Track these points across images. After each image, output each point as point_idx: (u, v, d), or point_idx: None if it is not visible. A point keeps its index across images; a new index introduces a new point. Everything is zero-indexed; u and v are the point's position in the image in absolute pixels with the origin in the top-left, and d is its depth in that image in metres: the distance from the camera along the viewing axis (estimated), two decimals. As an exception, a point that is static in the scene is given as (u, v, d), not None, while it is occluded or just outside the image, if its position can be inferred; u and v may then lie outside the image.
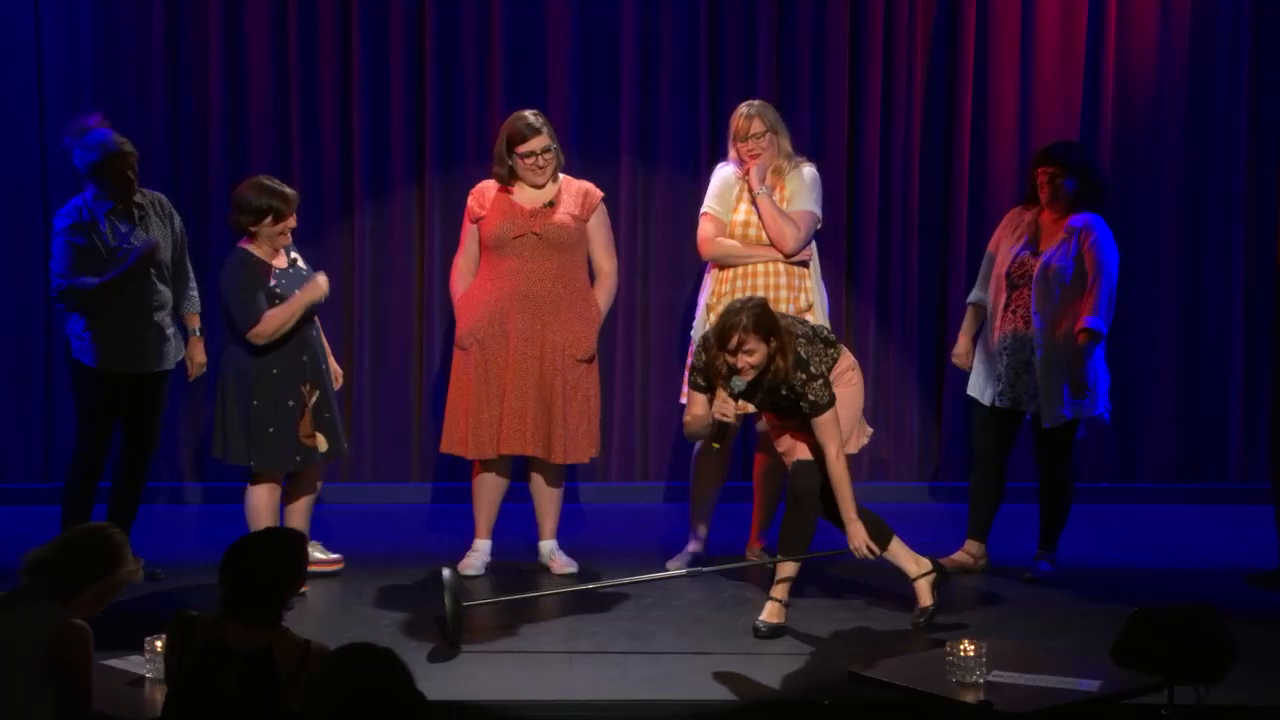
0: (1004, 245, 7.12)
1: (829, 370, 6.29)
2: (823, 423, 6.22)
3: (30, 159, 8.23)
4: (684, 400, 7.29)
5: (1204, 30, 8.49)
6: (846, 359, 6.45)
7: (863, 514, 6.33)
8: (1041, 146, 7.40)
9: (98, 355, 6.75)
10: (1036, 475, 7.21)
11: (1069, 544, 7.31)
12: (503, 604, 6.65)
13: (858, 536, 6.26)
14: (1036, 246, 7.02)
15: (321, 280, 6.80)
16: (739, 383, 6.13)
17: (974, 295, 7.28)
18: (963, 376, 7.33)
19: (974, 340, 7.26)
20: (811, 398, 6.20)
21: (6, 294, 8.21)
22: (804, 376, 6.19)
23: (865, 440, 6.58)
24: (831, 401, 6.22)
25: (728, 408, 6.18)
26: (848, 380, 6.42)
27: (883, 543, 6.38)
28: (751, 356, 6.09)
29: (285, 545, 4.50)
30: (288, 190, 6.77)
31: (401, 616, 6.58)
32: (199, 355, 7.09)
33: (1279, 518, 7.17)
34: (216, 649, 4.31)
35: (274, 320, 6.67)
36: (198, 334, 7.08)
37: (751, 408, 6.40)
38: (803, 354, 6.19)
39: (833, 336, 6.46)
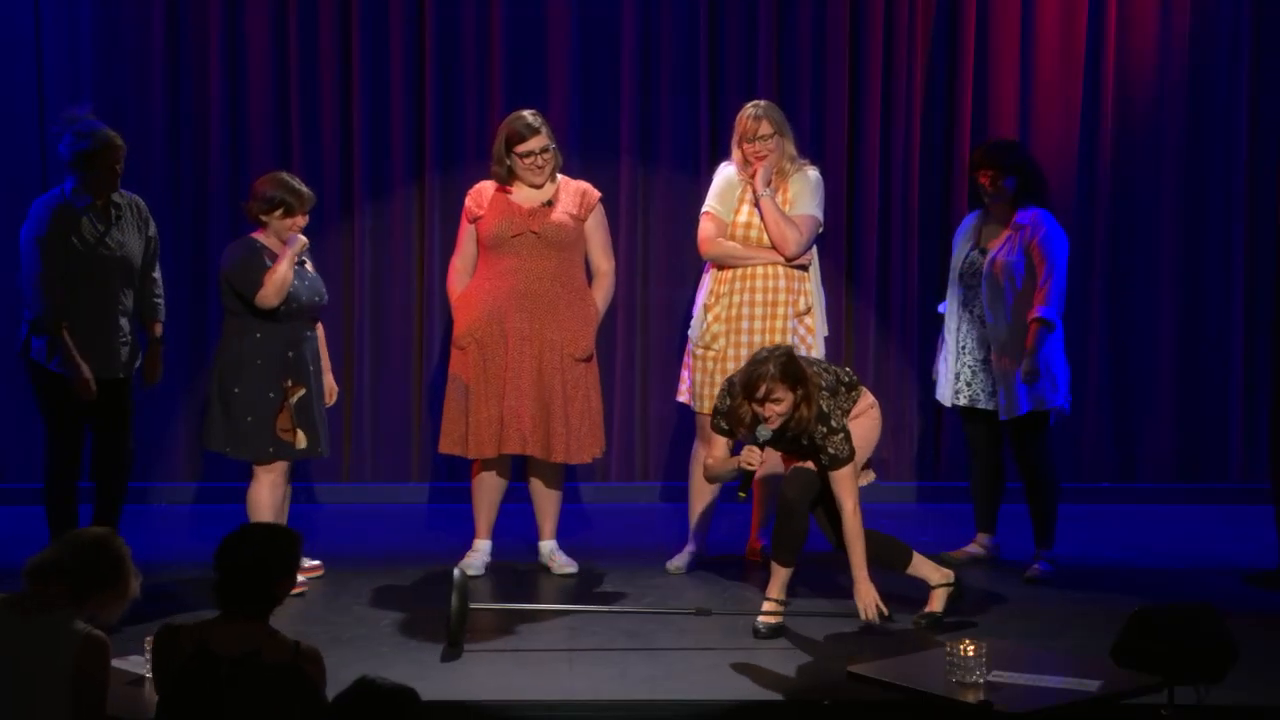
0: (958, 249, 7.21)
1: (848, 413, 6.29)
2: (841, 477, 6.21)
3: (30, 159, 8.22)
4: (680, 398, 7.33)
5: (1204, 30, 8.49)
6: (867, 399, 6.44)
7: (879, 538, 6.32)
8: (976, 150, 7.43)
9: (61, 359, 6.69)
10: (1020, 475, 7.24)
11: (1069, 544, 7.32)
12: (505, 604, 6.65)
13: (867, 597, 6.21)
14: (984, 245, 7.11)
15: (300, 235, 6.81)
16: (765, 432, 6.12)
17: (944, 306, 7.35)
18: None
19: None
20: (831, 451, 6.19)
21: (6, 293, 8.19)
22: (825, 430, 6.18)
23: (865, 483, 6.48)
24: (851, 456, 6.21)
25: (754, 456, 6.13)
26: (867, 416, 6.41)
27: (903, 562, 6.39)
28: (779, 405, 6.08)
29: (281, 538, 4.48)
30: (304, 190, 6.81)
31: (401, 616, 6.57)
32: (158, 364, 7.01)
33: (1279, 518, 7.17)
34: (204, 655, 4.29)
35: (273, 279, 6.70)
36: (160, 342, 7.02)
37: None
38: (825, 407, 6.18)
39: (855, 379, 6.43)
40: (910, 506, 8.30)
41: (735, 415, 6.20)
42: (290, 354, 6.81)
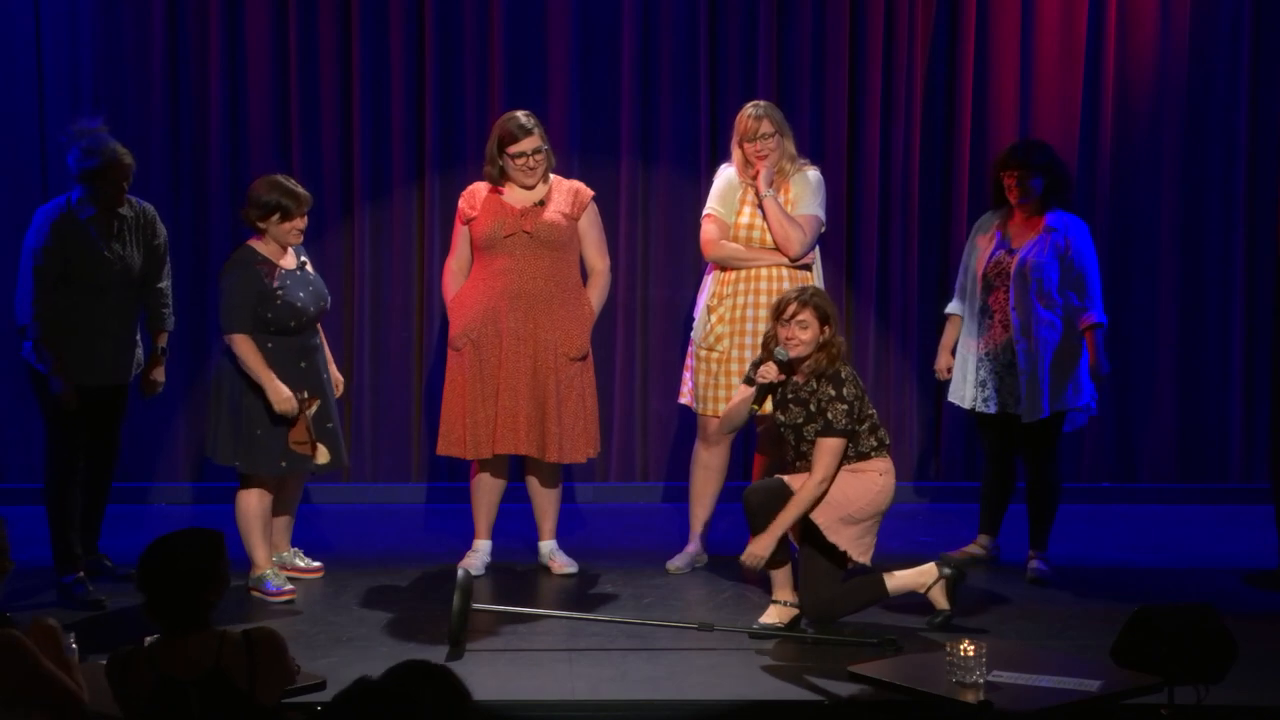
0: (979, 249, 7.17)
1: (864, 455, 6.27)
2: (826, 445, 6.22)
3: (30, 158, 8.23)
4: (682, 400, 7.33)
5: (1204, 30, 8.49)
6: (886, 461, 6.37)
7: (853, 585, 6.29)
8: (1005, 149, 7.39)
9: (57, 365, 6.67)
10: (1024, 475, 7.22)
11: (1069, 544, 7.32)
12: (505, 604, 6.65)
13: (758, 545, 6.24)
14: (1010, 245, 7.07)
15: (285, 395, 6.68)
16: (782, 353, 6.28)
17: (952, 306, 7.32)
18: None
19: (952, 351, 7.30)
20: (830, 416, 6.21)
21: (7, 292, 8.20)
22: (832, 393, 6.22)
23: (864, 560, 6.36)
24: (844, 433, 6.22)
25: (770, 371, 6.30)
26: (871, 476, 6.29)
27: (881, 592, 6.33)
28: (804, 333, 6.25)
29: (202, 544, 4.38)
30: (300, 191, 6.77)
31: (401, 616, 6.58)
32: (158, 375, 7.03)
33: (1279, 518, 7.17)
34: (168, 685, 4.23)
35: (245, 351, 6.63)
36: (161, 353, 7.03)
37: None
38: (844, 374, 6.25)
39: (886, 441, 6.39)
40: (910, 506, 8.29)
41: (765, 349, 6.37)
42: (303, 364, 6.79)
